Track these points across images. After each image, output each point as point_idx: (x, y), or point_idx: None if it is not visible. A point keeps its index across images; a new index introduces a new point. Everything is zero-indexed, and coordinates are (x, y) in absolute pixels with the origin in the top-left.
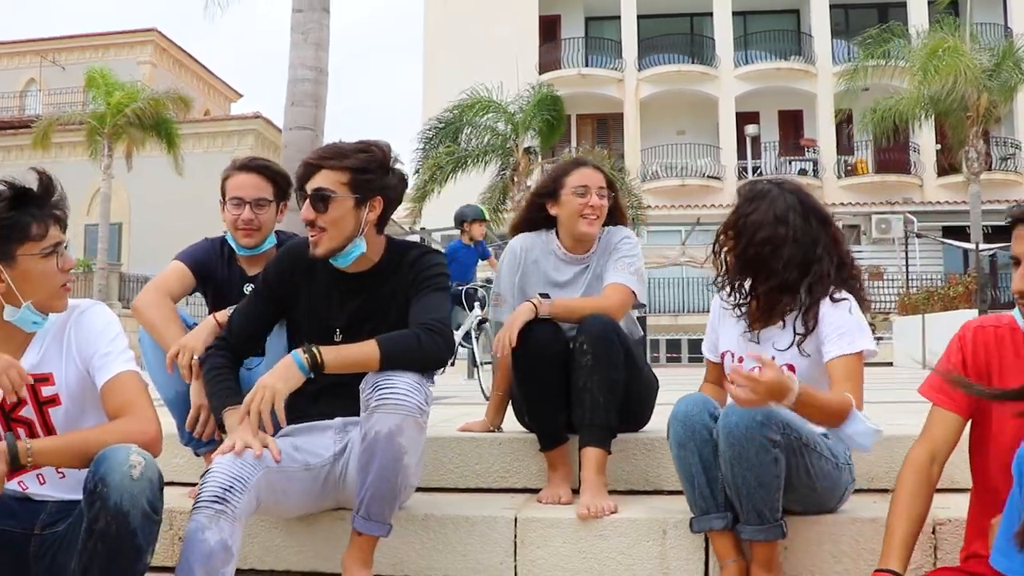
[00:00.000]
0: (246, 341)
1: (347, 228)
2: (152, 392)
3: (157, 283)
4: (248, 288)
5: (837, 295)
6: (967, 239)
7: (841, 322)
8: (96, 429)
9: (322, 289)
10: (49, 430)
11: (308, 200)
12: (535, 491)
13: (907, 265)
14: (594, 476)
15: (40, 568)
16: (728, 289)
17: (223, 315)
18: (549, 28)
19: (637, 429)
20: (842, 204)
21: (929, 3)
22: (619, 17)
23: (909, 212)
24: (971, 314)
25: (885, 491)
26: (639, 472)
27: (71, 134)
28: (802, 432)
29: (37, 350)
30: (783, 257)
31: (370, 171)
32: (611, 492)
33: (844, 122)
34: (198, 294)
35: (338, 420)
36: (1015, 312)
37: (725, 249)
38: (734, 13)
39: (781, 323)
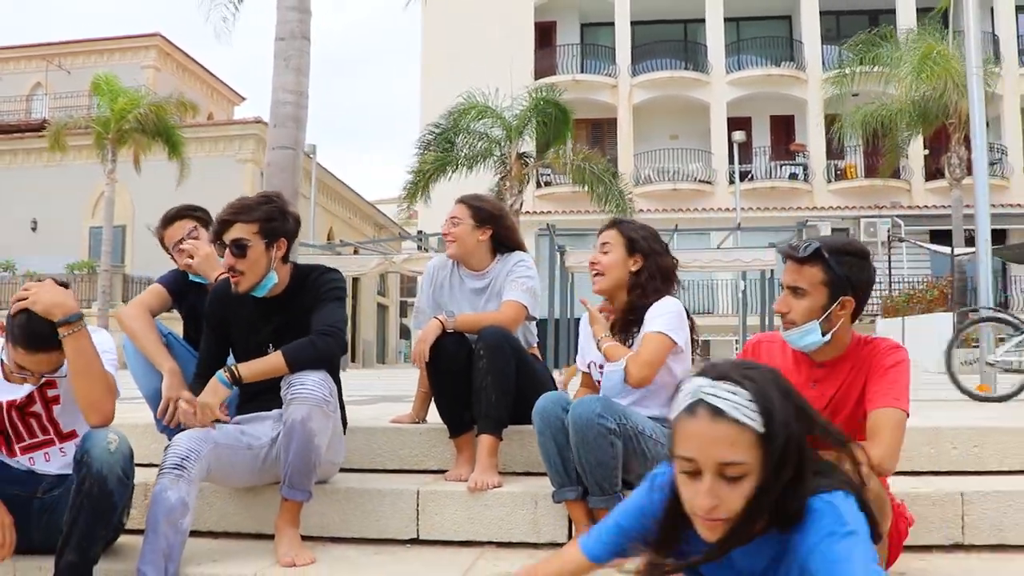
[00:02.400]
0: (214, 367)
1: (261, 267)
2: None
3: (139, 300)
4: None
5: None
6: (961, 238)
7: (654, 313)
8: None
9: (248, 315)
10: (51, 420)
11: (228, 249)
12: (441, 472)
13: (890, 268)
14: (486, 458)
15: (40, 523)
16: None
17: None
18: (545, 34)
19: (524, 422)
20: (831, 208)
21: (918, 9)
22: (613, 23)
23: (897, 216)
24: (946, 317)
25: None
26: (531, 457)
27: (76, 138)
28: (636, 421)
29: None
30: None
31: (274, 219)
32: (510, 473)
33: (834, 127)
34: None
35: (275, 412)
36: (781, 330)
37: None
38: (727, 19)
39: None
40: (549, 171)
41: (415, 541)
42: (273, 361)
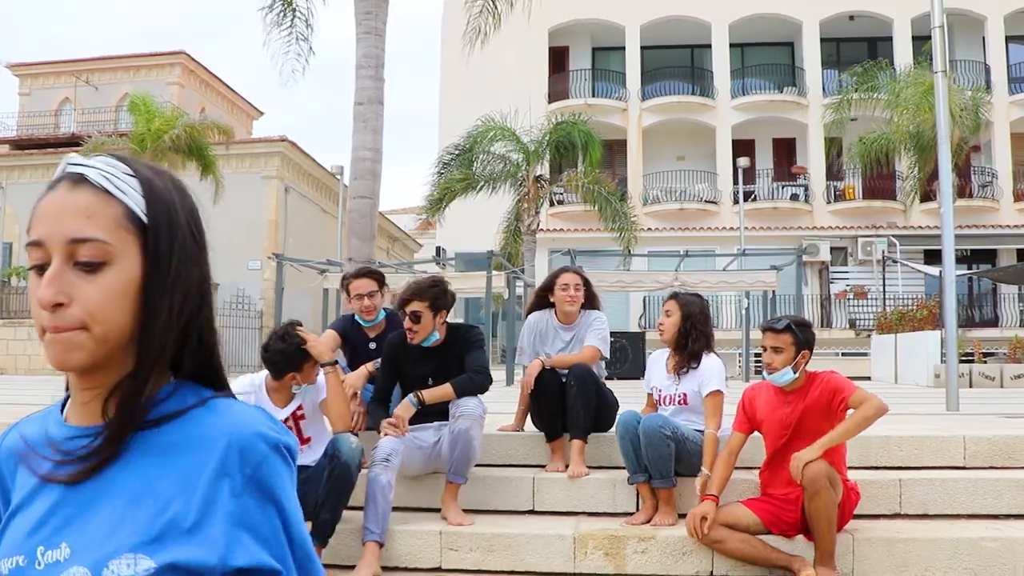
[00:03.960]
0: (387, 392)
1: (428, 328)
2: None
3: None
4: (372, 345)
5: (707, 354)
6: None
7: (710, 369)
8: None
9: (415, 359)
10: (299, 431)
11: (408, 317)
12: (543, 466)
13: (884, 286)
14: (577, 455)
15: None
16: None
17: (370, 365)
18: (558, 58)
19: (605, 430)
20: (830, 227)
21: (914, 38)
22: (624, 48)
23: (893, 236)
24: (934, 335)
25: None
26: (606, 455)
27: (106, 151)
28: (683, 431)
29: (300, 397)
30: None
31: (439, 298)
32: (589, 466)
33: (834, 149)
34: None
35: (435, 423)
36: (765, 376)
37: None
38: (732, 45)
39: (687, 367)
40: (562, 191)
41: (531, 512)
42: (445, 390)
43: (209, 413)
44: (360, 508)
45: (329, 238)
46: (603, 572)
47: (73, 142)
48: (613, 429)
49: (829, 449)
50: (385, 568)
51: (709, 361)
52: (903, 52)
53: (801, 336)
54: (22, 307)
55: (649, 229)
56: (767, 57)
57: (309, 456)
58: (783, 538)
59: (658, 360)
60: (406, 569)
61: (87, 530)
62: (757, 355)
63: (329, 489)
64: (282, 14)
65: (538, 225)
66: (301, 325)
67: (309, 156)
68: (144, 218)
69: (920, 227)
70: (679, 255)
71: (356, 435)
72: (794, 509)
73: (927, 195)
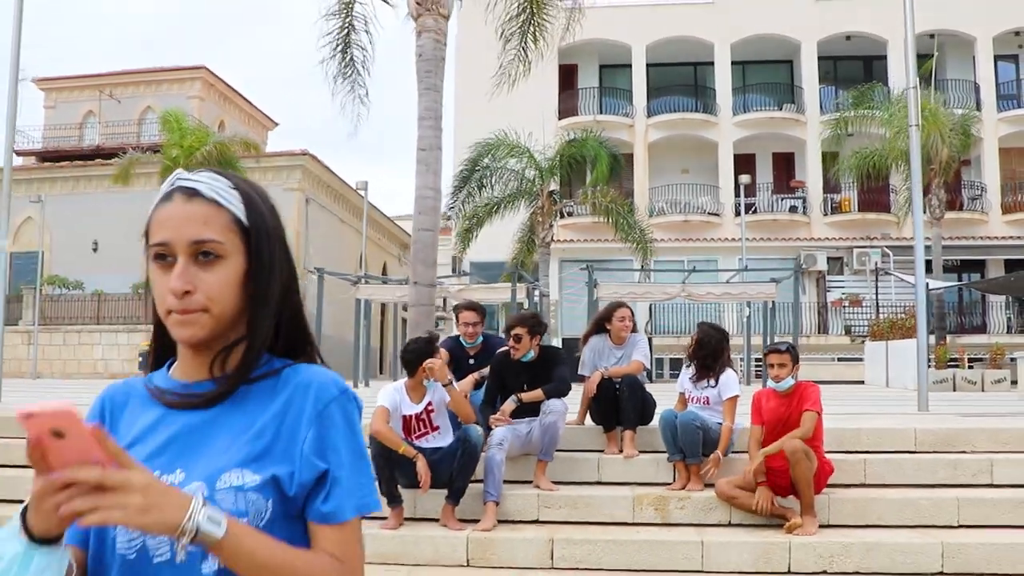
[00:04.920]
0: (495, 396)
1: (526, 347)
2: None
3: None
4: (471, 360)
5: (725, 368)
6: (939, 269)
7: (728, 381)
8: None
9: (516, 371)
10: (430, 422)
11: (512, 338)
12: (602, 450)
13: (877, 295)
14: (629, 442)
15: (433, 472)
16: (692, 365)
17: (476, 375)
18: (567, 76)
19: (647, 423)
20: (827, 238)
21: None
22: (630, 65)
23: (886, 247)
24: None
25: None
26: (648, 441)
27: (137, 166)
28: (708, 422)
29: (430, 395)
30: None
31: (536, 326)
32: (640, 451)
33: (831, 164)
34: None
35: (527, 418)
36: (769, 382)
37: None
38: (733, 63)
39: (706, 381)
40: (572, 203)
41: (597, 483)
42: (538, 393)
43: (295, 372)
44: (480, 481)
45: (347, 247)
46: (654, 521)
47: (98, 154)
48: (654, 422)
49: (811, 434)
50: (500, 521)
51: (727, 375)
52: (897, 70)
53: (795, 355)
54: (57, 314)
55: (655, 240)
56: (767, 75)
57: (439, 440)
58: (779, 497)
59: (686, 372)
60: (514, 521)
61: (199, 458)
62: (757, 359)
63: (462, 464)
64: (342, 64)
65: (552, 238)
66: (437, 340)
67: (329, 169)
68: (246, 223)
69: (912, 238)
70: (685, 270)
71: (479, 426)
72: (785, 476)
73: (920, 207)
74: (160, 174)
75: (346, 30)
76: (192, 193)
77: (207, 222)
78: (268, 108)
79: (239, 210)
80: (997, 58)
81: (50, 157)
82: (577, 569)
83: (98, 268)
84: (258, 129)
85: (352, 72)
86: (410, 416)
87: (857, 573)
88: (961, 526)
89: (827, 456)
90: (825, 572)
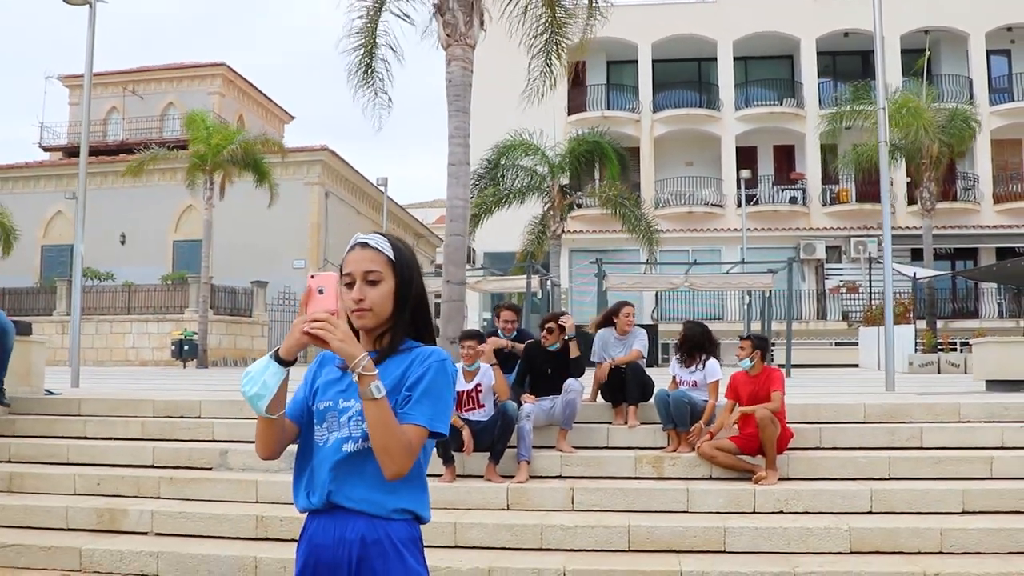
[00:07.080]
0: (524, 378)
1: (556, 338)
2: None
3: None
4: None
5: (710, 357)
6: (930, 259)
7: (712, 368)
8: None
9: (544, 358)
10: (476, 399)
11: (545, 330)
12: (610, 422)
13: (870, 283)
14: (633, 415)
15: (476, 440)
16: (680, 353)
17: (498, 341)
18: (575, 73)
19: (647, 400)
20: (826, 228)
21: (903, 51)
22: (636, 61)
23: (882, 236)
24: (909, 329)
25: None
26: (647, 415)
27: (160, 161)
28: (695, 399)
29: (479, 377)
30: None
31: (564, 322)
32: (642, 422)
33: (830, 156)
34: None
35: (550, 396)
36: (742, 363)
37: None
38: (736, 59)
39: (694, 367)
40: (580, 196)
41: (606, 448)
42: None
43: (421, 348)
44: (514, 446)
45: None
46: (651, 476)
47: (122, 149)
48: (652, 400)
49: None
50: (532, 476)
51: (712, 363)
52: (892, 65)
53: (757, 342)
54: (89, 304)
55: (661, 230)
56: (768, 71)
57: (484, 414)
58: (749, 456)
59: (675, 360)
60: (543, 476)
61: None
62: None
63: (501, 432)
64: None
65: (563, 230)
66: (482, 339)
67: (347, 163)
68: (394, 261)
69: (907, 228)
70: (688, 262)
71: (514, 402)
72: (755, 439)
73: (914, 199)
74: (188, 171)
75: (369, 46)
76: (365, 245)
77: (372, 261)
78: (283, 96)
79: (391, 254)
80: (990, 53)
81: (75, 153)
82: (592, 511)
83: (126, 260)
84: (275, 123)
85: (374, 81)
86: (462, 392)
87: (806, 512)
88: (892, 478)
89: (789, 425)
90: (782, 512)
